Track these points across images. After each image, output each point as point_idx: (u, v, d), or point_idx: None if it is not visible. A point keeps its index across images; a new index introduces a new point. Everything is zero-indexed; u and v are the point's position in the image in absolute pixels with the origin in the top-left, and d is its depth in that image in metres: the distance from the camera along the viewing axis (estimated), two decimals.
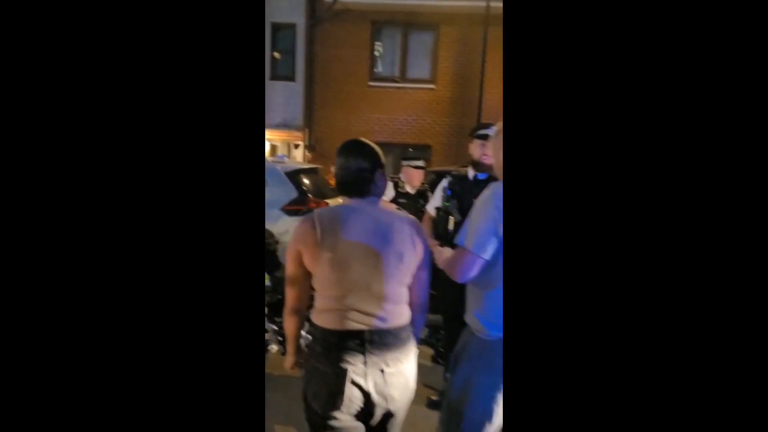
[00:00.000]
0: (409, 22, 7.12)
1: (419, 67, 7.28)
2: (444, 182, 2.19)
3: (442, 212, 2.13)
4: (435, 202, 2.22)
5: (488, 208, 1.12)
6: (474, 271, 1.15)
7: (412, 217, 1.25)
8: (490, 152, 1.63)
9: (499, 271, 1.13)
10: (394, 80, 7.25)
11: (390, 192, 2.85)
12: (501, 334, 1.14)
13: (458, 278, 1.18)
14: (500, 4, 6.63)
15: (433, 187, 2.65)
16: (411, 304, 1.21)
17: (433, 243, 1.48)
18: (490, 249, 1.12)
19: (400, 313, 1.16)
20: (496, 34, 6.83)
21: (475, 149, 2.11)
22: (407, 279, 1.16)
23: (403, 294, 1.17)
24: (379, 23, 7.24)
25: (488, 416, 1.18)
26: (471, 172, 2.14)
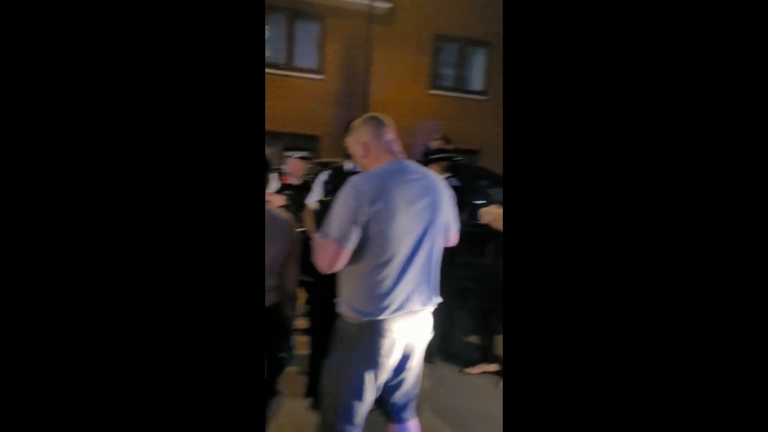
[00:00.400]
0: (295, 10, 6.95)
1: (307, 57, 7.17)
2: (323, 175, 2.24)
3: (324, 205, 2.20)
4: (315, 195, 2.25)
5: (347, 199, 1.18)
6: (339, 261, 1.18)
7: (285, 214, 1.34)
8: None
9: (364, 259, 1.20)
10: (278, 66, 7.03)
11: (274, 183, 2.82)
12: (369, 318, 1.22)
13: (324, 269, 1.21)
14: (384, 5, 6.92)
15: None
16: (281, 293, 1.33)
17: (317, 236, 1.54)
18: (353, 238, 1.16)
19: (266, 298, 1.27)
20: (380, 32, 7.12)
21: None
22: (275, 270, 1.28)
23: (271, 282, 1.28)
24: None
25: (359, 396, 1.25)
26: (348, 165, 2.22)
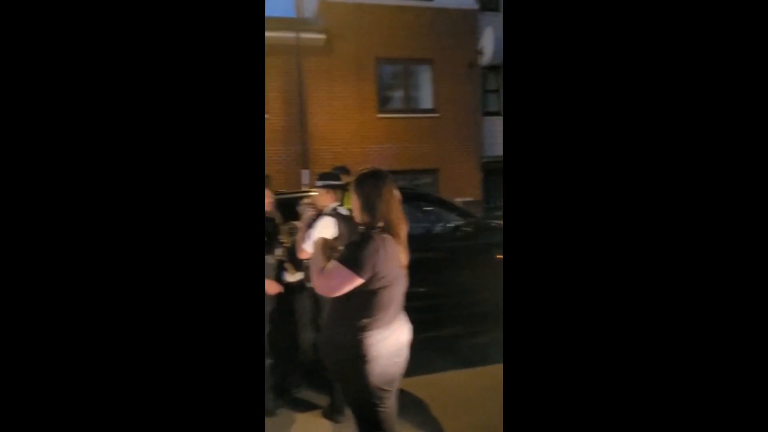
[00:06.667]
0: None
1: None
2: (329, 220, 2.41)
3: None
4: (330, 231, 2.30)
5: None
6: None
7: None
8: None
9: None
10: None
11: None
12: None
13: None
14: (317, 36, 7.63)
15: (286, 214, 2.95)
16: None
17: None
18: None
19: None
20: (318, 64, 7.76)
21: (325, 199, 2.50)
22: None
23: None
24: None
25: None
26: (343, 210, 2.50)
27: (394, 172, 7.91)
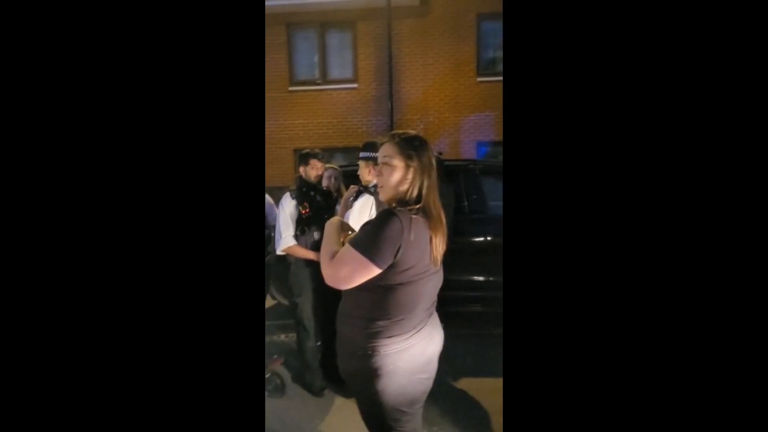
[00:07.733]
0: (324, 22, 7.53)
1: (340, 67, 7.69)
2: (368, 198, 2.14)
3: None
4: (363, 216, 2.06)
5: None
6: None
7: None
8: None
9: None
10: (315, 83, 7.67)
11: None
12: None
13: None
14: None
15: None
16: None
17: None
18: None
19: None
20: (414, 25, 7.38)
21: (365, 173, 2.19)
22: None
23: None
24: (294, 25, 7.58)
25: None
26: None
27: (495, 143, 7.48)
